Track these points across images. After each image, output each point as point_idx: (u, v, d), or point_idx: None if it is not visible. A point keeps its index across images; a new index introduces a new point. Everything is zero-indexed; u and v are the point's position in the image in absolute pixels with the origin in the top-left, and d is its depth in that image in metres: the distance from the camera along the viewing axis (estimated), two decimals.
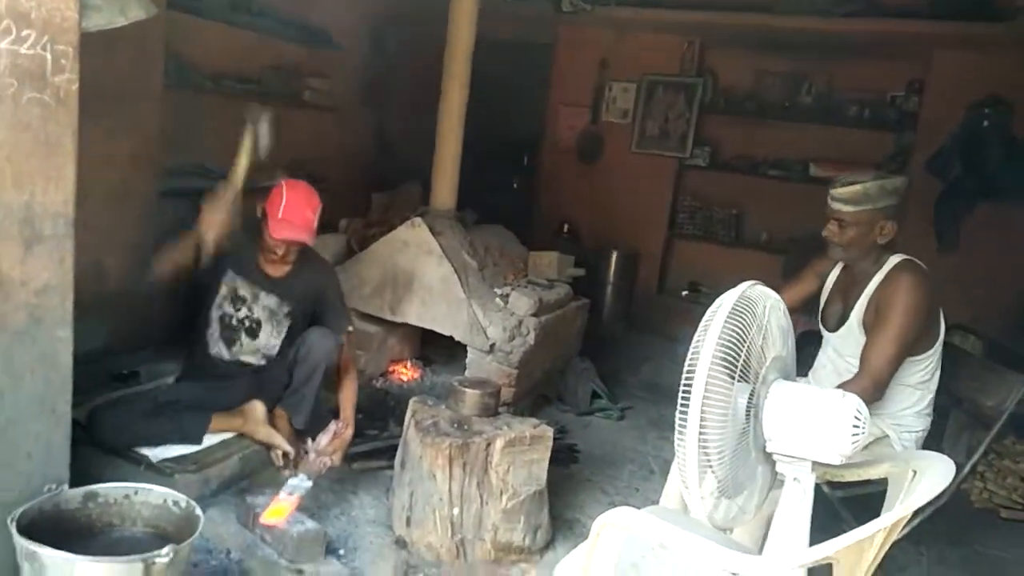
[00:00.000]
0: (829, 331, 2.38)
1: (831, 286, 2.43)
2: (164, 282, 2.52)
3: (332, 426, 2.56)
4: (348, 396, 2.74)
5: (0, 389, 1.62)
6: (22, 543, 1.52)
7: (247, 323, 2.70)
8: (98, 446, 2.34)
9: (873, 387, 2.09)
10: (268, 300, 2.69)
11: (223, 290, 2.66)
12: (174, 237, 2.53)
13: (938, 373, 2.27)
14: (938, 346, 2.23)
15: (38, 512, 1.65)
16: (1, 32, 1.56)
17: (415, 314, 3.60)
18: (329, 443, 2.52)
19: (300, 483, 2.33)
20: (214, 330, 2.69)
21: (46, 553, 1.50)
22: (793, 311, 2.52)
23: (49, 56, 1.65)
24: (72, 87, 1.71)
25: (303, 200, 2.53)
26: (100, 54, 2.04)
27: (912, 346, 2.15)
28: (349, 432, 2.63)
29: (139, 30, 2.28)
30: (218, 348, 2.70)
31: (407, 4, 5.17)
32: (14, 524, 1.56)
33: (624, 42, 5.52)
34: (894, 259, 2.22)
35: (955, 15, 4.30)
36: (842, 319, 2.31)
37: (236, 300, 2.68)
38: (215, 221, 2.43)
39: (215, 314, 2.68)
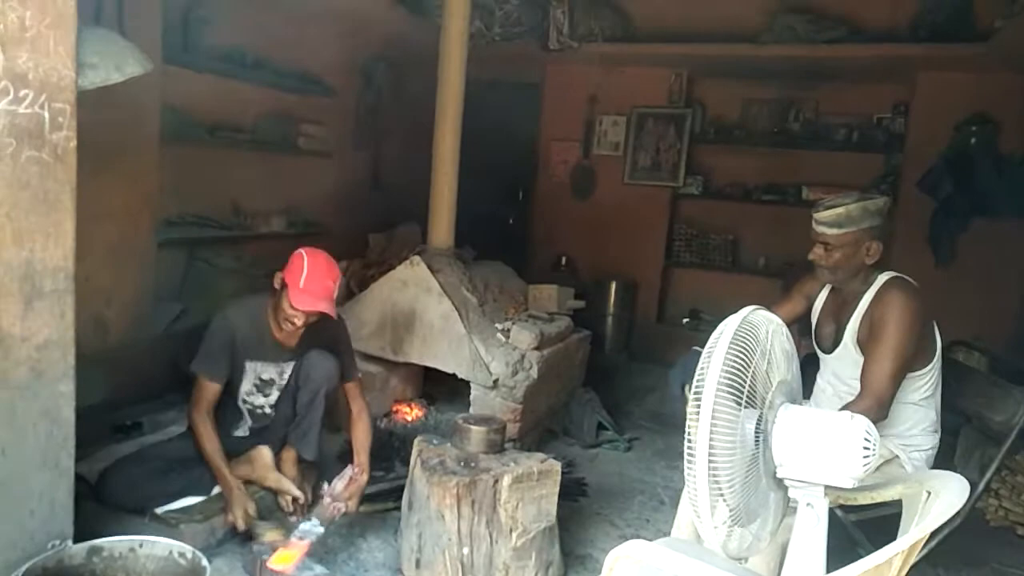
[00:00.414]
0: (825, 353, 2.38)
1: (820, 308, 2.43)
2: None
3: (348, 471, 2.53)
4: (362, 441, 2.68)
5: (2, 445, 1.61)
6: None
7: (276, 399, 2.69)
8: (110, 507, 2.31)
9: (876, 406, 2.08)
10: (291, 367, 2.66)
11: (246, 384, 2.62)
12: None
13: (939, 388, 2.26)
14: (936, 361, 2.23)
15: (42, 570, 1.62)
16: (0, 93, 1.58)
17: (417, 353, 3.58)
18: (345, 488, 2.48)
19: (311, 528, 2.30)
20: (244, 421, 2.67)
21: None
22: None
23: (47, 115, 1.68)
24: (70, 144, 1.74)
25: (324, 270, 2.47)
26: (97, 110, 2.07)
27: (910, 362, 2.14)
28: (364, 478, 2.59)
29: (135, 85, 2.31)
30: (244, 431, 2.68)
31: (395, 46, 5.27)
32: None
33: (612, 77, 5.62)
34: (883, 277, 2.23)
35: (936, 37, 4.39)
36: (836, 340, 2.31)
37: (263, 386, 2.64)
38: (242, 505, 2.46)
39: (243, 408, 2.65)
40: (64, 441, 1.75)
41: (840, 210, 2.18)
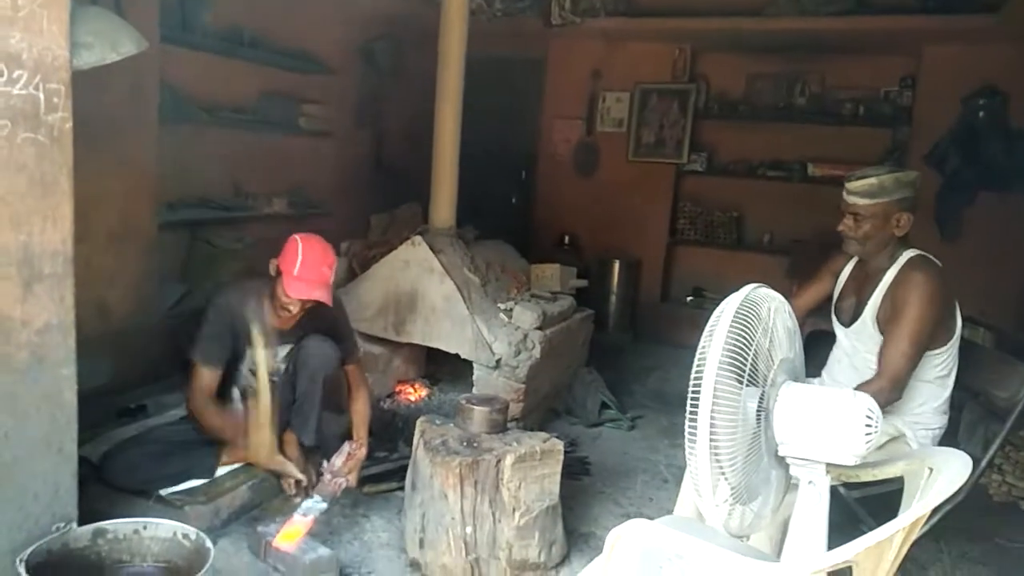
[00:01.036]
0: (843, 326, 2.37)
1: (844, 281, 2.43)
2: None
3: (346, 447, 2.55)
4: (361, 416, 2.72)
5: (5, 429, 1.61)
6: None
7: (272, 379, 2.67)
8: (112, 488, 2.33)
9: (891, 386, 2.09)
10: (286, 350, 2.66)
11: (244, 368, 2.62)
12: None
13: (955, 368, 2.25)
14: (955, 340, 2.22)
15: (47, 552, 1.63)
16: None
17: (419, 333, 3.58)
18: (343, 464, 2.51)
19: (314, 505, 2.33)
20: (237, 401, 2.67)
21: None
22: (812, 311, 2.53)
23: (42, 96, 1.66)
24: (66, 125, 1.72)
25: (319, 257, 2.46)
26: (95, 90, 2.05)
27: (928, 343, 2.14)
28: (362, 452, 2.62)
29: (133, 65, 2.29)
30: (238, 403, 2.68)
31: (396, 23, 5.21)
32: (23, 565, 1.55)
33: (615, 52, 5.55)
34: (908, 254, 2.22)
35: (944, 9, 4.31)
36: (856, 314, 2.31)
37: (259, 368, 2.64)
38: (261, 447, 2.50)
39: (238, 389, 2.64)
40: (67, 425, 1.75)
41: (872, 180, 2.19)
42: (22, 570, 1.54)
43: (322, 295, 2.45)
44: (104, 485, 2.32)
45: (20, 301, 1.64)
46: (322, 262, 2.47)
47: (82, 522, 1.76)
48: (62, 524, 1.71)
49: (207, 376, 2.51)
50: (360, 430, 2.69)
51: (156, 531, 1.80)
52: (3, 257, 1.61)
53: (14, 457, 1.63)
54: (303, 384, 2.65)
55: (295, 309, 2.48)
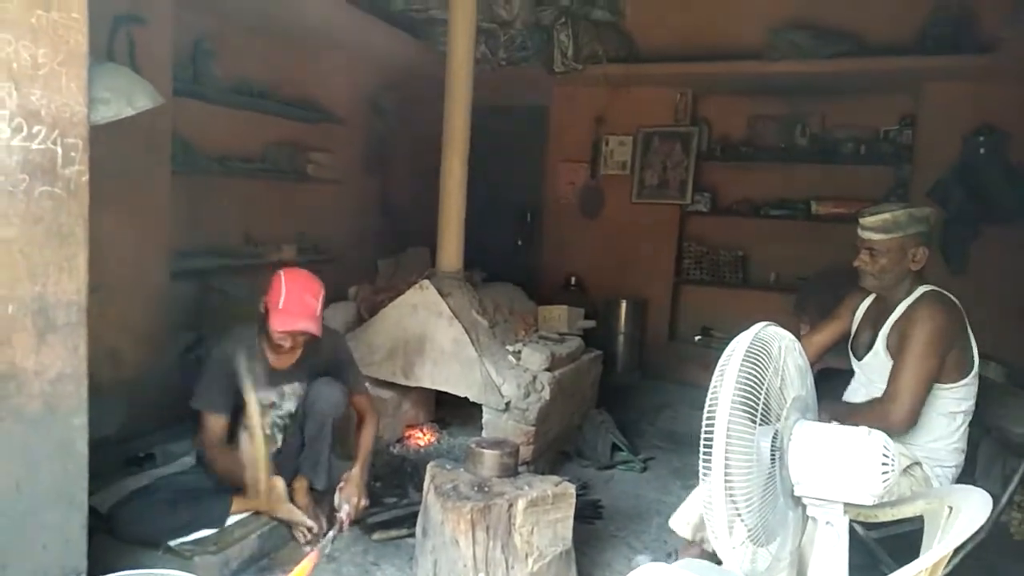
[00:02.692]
0: (858, 360, 2.38)
1: (861, 316, 2.45)
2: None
3: (342, 480, 2.57)
4: (363, 442, 2.72)
5: (16, 480, 1.61)
6: None
7: (281, 422, 2.68)
8: (121, 540, 2.30)
9: (898, 411, 2.10)
10: (291, 388, 2.66)
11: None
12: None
13: (971, 405, 2.24)
14: (971, 378, 2.21)
15: None
16: (12, 130, 1.61)
17: (428, 377, 3.58)
18: (342, 492, 2.51)
19: (323, 543, 2.33)
20: (246, 444, 2.64)
21: None
22: (829, 349, 2.54)
23: (59, 150, 1.70)
24: (82, 178, 1.76)
25: (303, 287, 2.48)
26: (110, 144, 2.10)
27: (936, 374, 2.14)
28: (356, 471, 2.60)
29: (147, 118, 2.35)
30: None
31: (403, 73, 5.33)
32: None
33: (617, 97, 5.65)
34: (922, 289, 2.25)
35: (941, 49, 4.39)
36: (869, 346, 2.32)
37: (264, 411, 2.63)
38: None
39: (243, 433, 2.62)
40: (78, 475, 1.75)
41: (887, 216, 2.23)
42: None
43: (308, 325, 2.46)
44: (113, 537, 2.29)
45: (34, 351, 1.66)
46: (306, 292, 2.48)
47: (91, 573, 1.74)
48: (72, 575, 1.70)
49: (214, 422, 2.51)
50: (360, 454, 2.67)
51: None
52: (19, 308, 1.63)
53: (25, 508, 1.63)
54: (312, 428, 2.65)
55: (288, 344, 2.50)
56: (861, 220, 2.29)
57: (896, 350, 2.20)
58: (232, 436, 2.59)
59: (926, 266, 2.28)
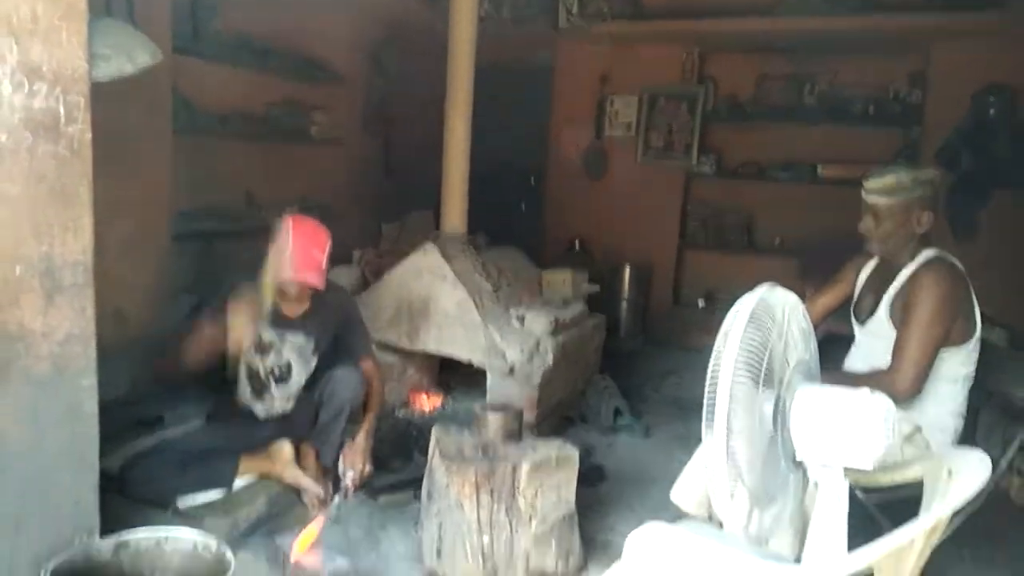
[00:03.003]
0: (860, 324, 2.38)
1: (864, 280, 2.45)
2: (192, 368, 2.48)
3: (346, 447, 2.61)
4: (369, 407, 2.75)
5: (27, 442, 1.63)
6: None
7: (276, 371, 2.68)
8: (132, 500, 2.34)
9: (904, 378, 2.11)
10: (295, 338, 2.67)
11: (245, 340, 2.60)
12: (186, 327, 2.49)
13: (972, 370, 2.25)
14: (973, 342, 2.21)
15: (70, 564, 1.64)
16: (14, 86, 1.59)
17: (432, 341, 3.59)
18: (347, 456, 2.55)
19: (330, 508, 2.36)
20: (243, 385, 2.68)
21: None
22: (832, 312, 2.54)
23: (61, 108, 1.68)
24: (85, 137, 1.74)
25: (310, 239, 2.48)
26: (109, 103, 2.07)
27: (942, 342, 2.15)
28: (361, 438, 2.63)
29: (147, 76, 2.32)
30: (247, 399, 2.69)
31: (404, 29, 5.24)
32: None
33: (623, 56, 5.56)
34: (927, 253, 2.24)
35: (952, 7, 4.30)
36: (871, 312, 2.32)
37: (262, 349, 2.64)
38: (243, 327, 2.43)
39: (242, 368, 2.66)
40: (88, 437, 1.76)
41: (890, 179, 2.21)
42: None
43: (312, 278, 2.46)
44: (123, 497, 2.33)
45: (42, 313, 1.66)
46: (313, 244, 2.48)
47: (103, 534, 1.77)
48: (84, 535, 1.72)
49: (204, 331, 2.44)
50: (366, 419, 2.70)
51: (177, 544, 1.80)
52: (26, 269, 1.63)
53: (37, 469, 1.65)
54: (329, 412, 2.68)
55: (293, 292, 2.51)
56: (865, 183, 2.27)
57: (900, 318, 2.19)
58: (227, 389, 2.63)
59: (931, 231, 2.26)
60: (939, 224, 2.33)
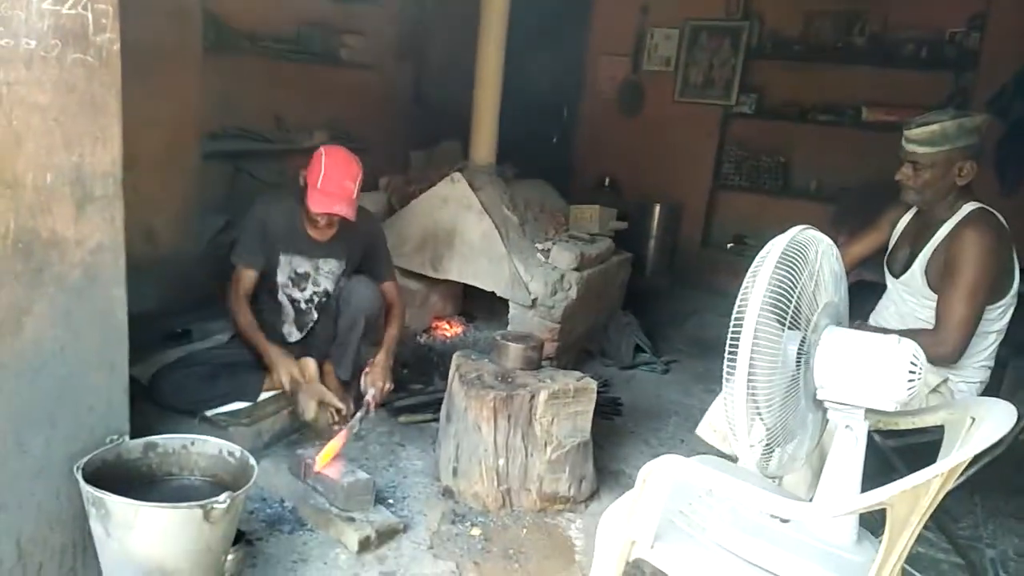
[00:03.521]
0: (893, 276, 2.32)
1: (900, 231, 2.36)
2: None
3: (367, 365, 2.65)
4: (390, 333, 2.76)
5: (61, 343, 1.68)
6: (88, 491, 1.59)
7: (316, 299, 2.73)
8: (160, 407, 2.42)
9: (946, 347, 2.05)
10: (328, 265, 2.71)
11: (281, 276, 2.67)
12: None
13: (1005, 324, 2.18)
14: (1010, 297, 2.14)
15: (102, 462, 1.71)
16: None
17: (456, 270, 3.60)
18: (366, 375, 2.58)
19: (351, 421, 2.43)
20: (287, 315, 2.73)
21: (111, 500, 1.56)
22: (866, 260, 2.47)
23: (90, 15, 1.66)
24: (114, 47, 1.72)
25: (342, 169, 2.48)
26: (139, 16, 2.04)
27: (985, 302, 2.08)
28: (381, 357, 2.66)
29: None
30: (290, 330, 2.75)
31: None
32: (80, 472, 1.63)
33: None
34: (968, 207, 2.13)
35: None
36: (907, 265, 2.25)
37: (299, 280, 2.69)
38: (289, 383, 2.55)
39: (284, 300, 2.71)
40: (118, 342, 1.81)
41: (934, 127, 2.08)
42: (79, 477, 1.62)
43: (343, 210, 2.47)
44: (153, 404, 2.41)
45: (74, 220, 1.68)
46: (345, 175, 2.49)
47: (133, 437, 1.84)
48: (115, 437, 1.78)
49: (245, 276, 2.60)
50: (386, 342, 2.73)
51: (203, 447, 1.87)
52: (58, 177, 1.64)
53: (70, 371, 1.70)
54: (345, 322, 2.70)
55: (324, 221, 2.53)
56: (905, 131, 2.14)
57: (938, 276, 2.11)
58: (263, 309, 2.68)
59: (975, 180, 2.15)
60: (984, 174, 2.23)
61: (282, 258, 2.65)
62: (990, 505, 2.67)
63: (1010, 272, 2.13)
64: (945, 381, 2.18)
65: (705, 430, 2.24)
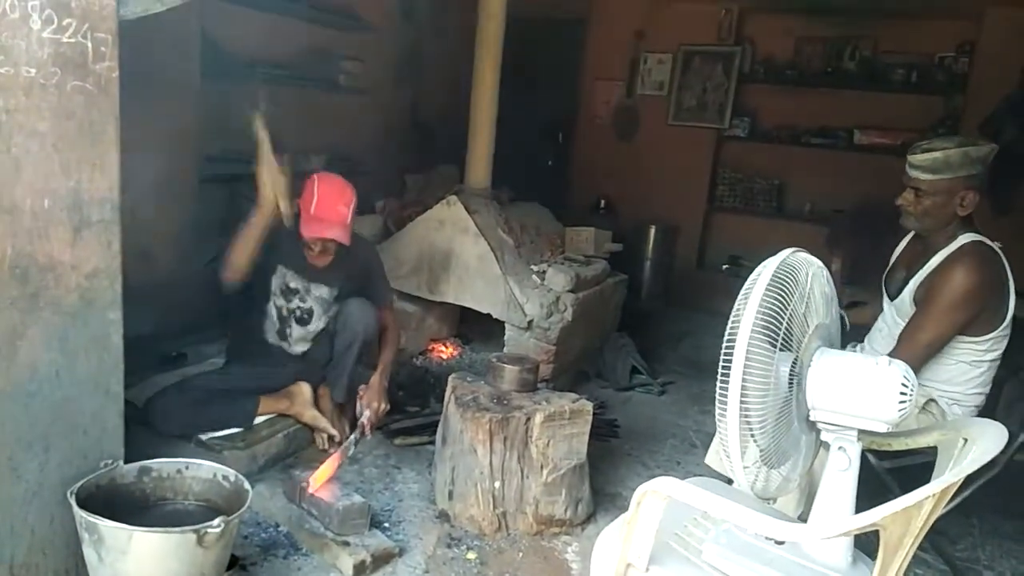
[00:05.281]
0: (890, 298, 2.33)
1: (899, 253, 2.38)
2: (240, 278, 2.48)
3: (361, 389, 2.63)
4: (384, 356, 2.77)
5: (57, 367, 1.68)
6: (82, 515, 1.58)
7: (298, 313, 2.74)
8: (155, 432, 2.41)
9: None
10: (319, 291, 2.72)
11: (274, 284, 2.69)
12: (227, 236, 2.52)
13: (999, 354, 2.17)
14: (1000, 331, 2.12)
15: (95, 486, 1.71)
16: (43, 21, 1.59)
17: (452, 292, 3.62)
18: (361, 398, 2.57)
19: (346, 444, 2.42)
20: (272, 321, 2.73)
21: (104, 525, 1.56)
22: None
23: (90, 44, 1.69)
24: (113, 75, 1.74)
25: (335, 195, 2.49)
26: (139, 43, 2.07)
27: (953, 333, 2.09)
28: (376, 378, 2.65)
29: (175, 17, 2.30)
30: (273, 337, 2.76)
31: None
32: (73, 497, 1.62)
33: (659, 12, 5.43)
34: (964, 238, 2.11)
35: None
36: (901, 288, 2.26)
37: (288, 293, 2.70)
38: (274, 179, 2.41)
39: (271, 307, 2.72)
40: (114, 367, 1.81)
41: (938, 154, 2.05)
42: (73, 501, 1.61)
43: (337, 234, 2.48)
44: (147, 428, 2.41)
45: (70, 245, 1.69)
46: (338, 201, 2.50)
47: (127, 461, 1.83)
48: (109, 461, 1.78)
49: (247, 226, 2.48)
50: (381, 364, 2.73)
51: (198, 471, 1.87)
52: (56, 202, 1.66)
53: (65, 395, 1.70)
54: (341, 344, 2.71)
55: (318, 248, 2.55)
56: (909, 157, 2.12)
57: (920, 302, 2.12)
58: (252, 324, 2.69)
59: (974, 212, 2.12)
60: (982, 197, 2.22)
61: (278, 268, 2.66)
62: (987, 527, 2.66)
63: (1000, 307, 2.11)
64: (934, 402, 2.18)
65: (713, 458, 2.22)
